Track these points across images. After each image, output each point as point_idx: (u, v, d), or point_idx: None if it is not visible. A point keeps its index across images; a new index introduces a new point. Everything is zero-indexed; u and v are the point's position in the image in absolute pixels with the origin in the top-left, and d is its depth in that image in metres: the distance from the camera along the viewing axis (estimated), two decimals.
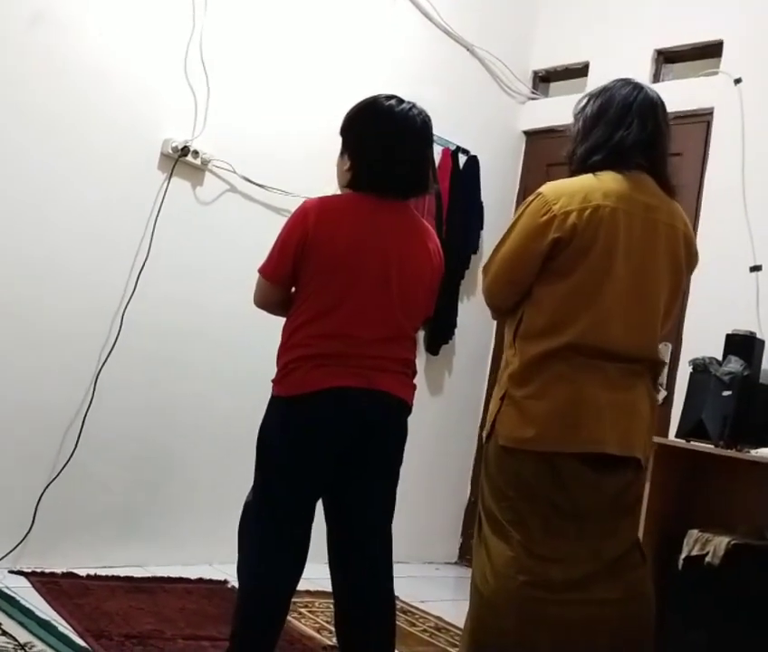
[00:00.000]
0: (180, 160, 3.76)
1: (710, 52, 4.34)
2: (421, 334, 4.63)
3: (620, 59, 4.42)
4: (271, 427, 2.42)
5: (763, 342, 3.59)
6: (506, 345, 2.42)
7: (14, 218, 3.40)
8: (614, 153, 2.33)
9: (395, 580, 2.49)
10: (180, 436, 3.88)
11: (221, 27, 3.87)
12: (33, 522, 3.42)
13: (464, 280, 4.80)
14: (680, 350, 4.09)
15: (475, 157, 4.81)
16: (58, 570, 3.43)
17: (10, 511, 3.41)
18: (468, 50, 4.81)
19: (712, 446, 3.39)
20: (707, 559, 3.22)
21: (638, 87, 2.39)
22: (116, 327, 3.63)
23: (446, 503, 4.93)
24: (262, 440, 2.44)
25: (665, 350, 4.01)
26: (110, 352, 3.61)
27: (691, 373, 3.61)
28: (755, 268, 3.90)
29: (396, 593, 2.51)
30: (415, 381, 2.51)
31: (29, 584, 3.26)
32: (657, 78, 4.50)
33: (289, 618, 2.70)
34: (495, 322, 4.64)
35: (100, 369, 3.60)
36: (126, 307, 3.65)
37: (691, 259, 2.45)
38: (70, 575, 3.42)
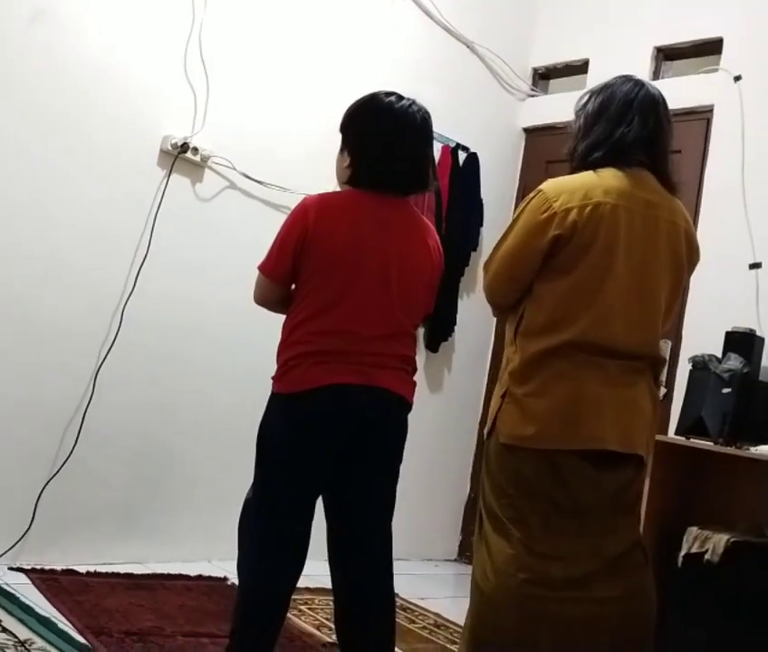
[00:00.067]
0: (180, 157, 3.76)
1: (710, 49, 4.33)
2: (421, 331, 4.63)
3: (620, 56, 4.40)
4: (271, 424, 2.42)
5: (762, 340, 3.59)
6: (507, 342, 2.42)
7: (14, 216, 3.40)
8: (615, 150, 2.33)
9: (395, 576, 2.49)
10: (180, 432, 3.88)
11: (220, 24, 3.87)
12: (32, 518, 3.42)
13: (463, 277, 4.80)
14: (680, 348, 4.08)
15: (474, 154, 4.80)
16: (58, 567, 3.43)
17: (10, 507, 3.41)
18: (468, 47, 4.81)
19: (711, 444, 3.38)
20: (707, 556, 3.21)
21: (639, 84, 2.38)
22: (116, 323, 3.63)
23: (445, 500, 4.93)
24: (262, 437, 2.44)
25: (665, 348, 3.99)
26: (110, 349, 3.61)
27: (691, 370, 3.60)
28: (755, 265, 3.90)
29: (395, 590, 2.51)
30: (415, 378, 2.51)
31: (29, 581, 3.26)
32: (656, 75, 4.49)
33: (289, 614, 2.70)
34: (495, 319, 4.64)
35: (100, 366, 3.60)
36: (126, 304, 3.65)
37: (692, 256, 2.44)
38: (70, 572, 3.42)
